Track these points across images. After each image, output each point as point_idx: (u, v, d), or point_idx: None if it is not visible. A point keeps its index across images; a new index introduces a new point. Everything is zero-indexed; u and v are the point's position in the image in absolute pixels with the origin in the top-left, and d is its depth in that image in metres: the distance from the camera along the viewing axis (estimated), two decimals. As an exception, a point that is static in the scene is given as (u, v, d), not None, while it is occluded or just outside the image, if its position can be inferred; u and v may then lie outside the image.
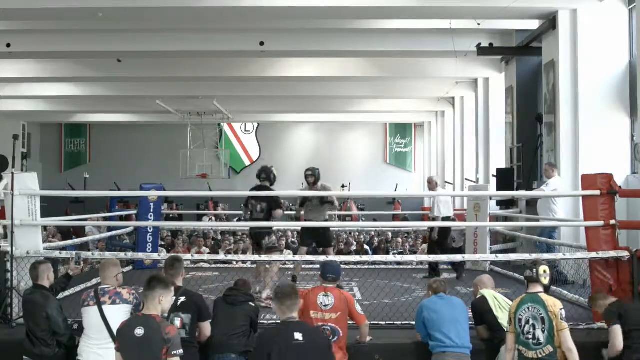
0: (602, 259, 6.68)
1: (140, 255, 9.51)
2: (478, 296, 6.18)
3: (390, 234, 15.61)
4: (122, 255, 8.26)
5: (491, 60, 15.84)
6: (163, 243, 13.82)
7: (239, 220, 17.36)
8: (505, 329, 5.49)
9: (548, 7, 11.18)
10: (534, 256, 6.84)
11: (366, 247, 14.83)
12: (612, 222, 6.71)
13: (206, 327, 5.44)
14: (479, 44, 13.65)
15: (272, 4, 11.47)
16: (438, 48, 14.37)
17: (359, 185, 24.89)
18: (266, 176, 8.30)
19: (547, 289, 5.39)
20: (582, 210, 7.08)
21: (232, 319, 5.54)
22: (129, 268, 10.46)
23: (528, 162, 13.26)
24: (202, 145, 25.84)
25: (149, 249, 10.53)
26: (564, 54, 11.03)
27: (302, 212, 9.15)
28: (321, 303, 5.56)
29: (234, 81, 19.05)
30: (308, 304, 5.58)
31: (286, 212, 10.72)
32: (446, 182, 21.58)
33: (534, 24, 12.49)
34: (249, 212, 8.26)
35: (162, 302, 4.45)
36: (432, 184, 10.43)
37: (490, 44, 13.91)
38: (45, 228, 12.08)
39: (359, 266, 10.34)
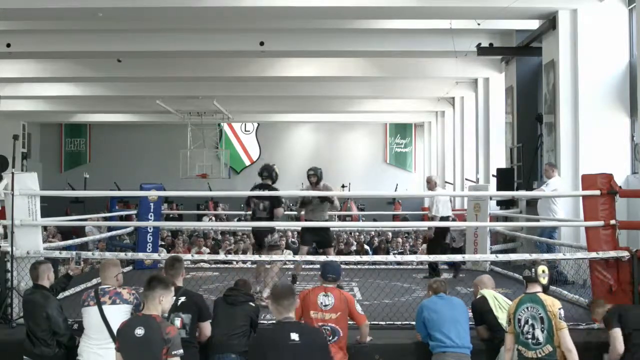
0: (602, 259, 6.68)
1: (140, 255, 9.51)
2: (478, 296, 6.19)
3: (390, 234, 15.62)
4: (122, 255, 8.26)
5: (491, 60, 15.84)
6: (163, 243, 13.82)
7: (239, 220, 17.43)
8: (505, 329, 5.49)
9: (548, 7, 11.17)
10: (534, 256, 6.85)
11: (366, 247, 14.83)
12: (612, 222, 6.71)
13: (206, 327, 5.44)
14: (479, 44, 13.65)
15: (272, 4, 11.47)
16: (438, 48, 14.37)
17: (359, 185, 24.88)
18: (268, 174, 8.33)
19: (545, 289, 5.40)
20: (582, 210, 7.09)
21: (232, 319, 5.54)
22: (129, 268, 10.46)
23: (528, 162, 13.26)
24: (202, 145, 25.84)
25: (149, 249, 10.53)
26: (564, 54, 11.03)
27: (303, 212, 9.15)
28: (321, 303, 5.56)
29: (234, 81, 19.04)
30: (308, 304, 5.58)
31: (286, 212, 10.71)
32: (446, 182, 21.58)
33: (534, 24, 12.49)
34: (250, 211, 8.27)
35: (163, 302, 4.45)
36: (431, 184, 10.44)
37: (490, 44, 13.90)
38: (45, 228, 12.08)
39: (359, 266, 10.34)
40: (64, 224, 13.39)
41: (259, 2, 11.46)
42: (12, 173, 6.78)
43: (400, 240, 15.01)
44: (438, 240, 10.38)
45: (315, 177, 8.85)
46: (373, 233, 15.84)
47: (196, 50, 14.77)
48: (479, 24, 12.58)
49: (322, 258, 7.37)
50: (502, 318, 5.79)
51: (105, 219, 12.68)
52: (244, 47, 14.53)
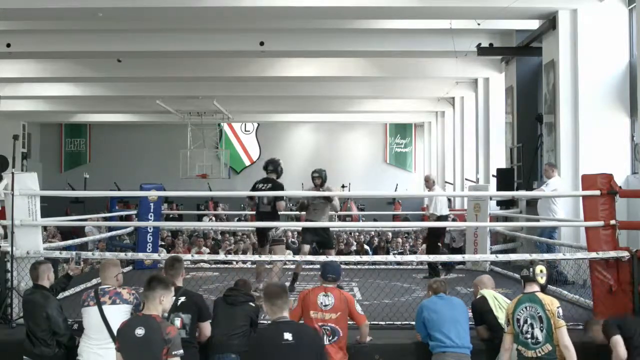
0: (602, 259, 6.68)
1: (140, 255, 9.50)
2: (478, 296, 6.19)
3: (390, 234, 15.61)
4: (122, 255, 8.26)
5: (491, 60, 15.84)
6: (163, 243, 13.82)
7: (239, 220, 17.44)
8: (504, 329, 5.49)
9: (548, 7, 11.17)
10: (534, 256, 6.85)
11: (366, 247, 14.83)
12: (612, 222, 6.70)
13: (206, 327, 5.44)
14: (479, 44, 13.65)
15: (272, 4, 11.47)
16: (438, 48, 14.37)
17: (359, 185, 24.87)
18: (273, 168, 8.37)
19: (543, 288, 5.41)
20: (582, 210, 7.08)
21: (232, 319, 5.54)
22: (129, 268, 10.46)
23: (528, 162, 13.26)
24: (202, 145, 25.83)
25: (149, 249, 10.53)
26: (564, 54, 11.03)
27: (303, 212, 9.16)
28: (321, 303, 5.56)
29: (234, 81, 19.04)
30: (308, 304, 5.59)
31: (286, 212, 10.72)
32: (446, 182, 21.58)
33: (534, 24, 12.49)
34: (254, 203, 8.29)
35: (163, 302, 4.45)
36: (429, 182, 10.44)
37: (490, 44, 13.90)
38: (45, 228, 12.08)
39: (359, 266, 10.34)
40: (64, 224, 13.39)
41: (259, 2, 11.46)
42: (12, 173, 6.78)
43: (400, 240, 15.01)
44: (436, 240, 10.38)
45: (319, 179, 8.87)
46: (373, 233, 15.84)
47: (196, 50, 14.77)
48: (479, 24, 12.58)
49: (322, 258, 7.37)
50: (502, 318, 5.79)
51: (105, 219, 12.68)
52: (244, 47, 14.53)
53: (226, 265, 10.87)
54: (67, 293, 7.08)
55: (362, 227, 15.19)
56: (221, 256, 9.56)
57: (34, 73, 17.35)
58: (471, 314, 6.04)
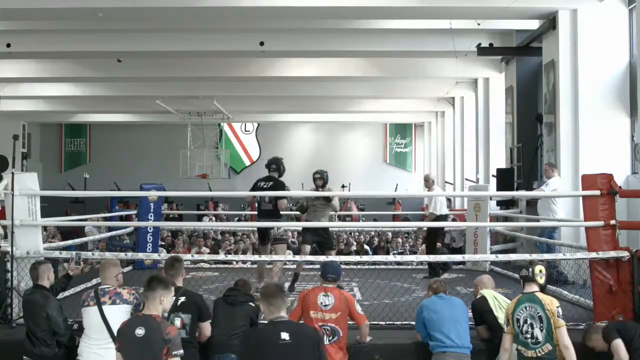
0: (602, 259, 6.68)
1: (140, 255, 9.50)
2: (478, 296, 6.19)
3: (390, 234, 15.61)
4: (122, 255, 8.26)
5: (491, 60, 15.84)
6: (163, 243, 13.82)
7: (239, 220, 17.45)
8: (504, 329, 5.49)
9: (548, 7, 11.17)
10: (534, 256, 6.85)
11: (366, 247, 14.83)
12: (612, 222, 6.70)
13: (206, 327, 5.44)
14: (479, 44, 13.65)
15: (272, 4, 11.47)
16: (438, 48, 14.37)
17: (359, 185, 24.87)
18: (276, 167, 8.39)
19: (543, 288, 5.41)
20: (582, 210, 7.08)
21: (232, 319, 5.54)
22: (129, 268, 10.46)
23: (528, 162, 13.26)
24: (202, 145, 25.83)
25: (149, 249, 10.53)
26: (564, 54, 11.03)
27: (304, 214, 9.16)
28: (321, 303, 5.56)
29: (234, 81, 19.04)
30: (308, 304, 5.59)
31: (286, 212, 10.72)
32: (446, 182, 21.58)
33: (534, 24, 12.49)
34: (256, 200, 8.30)
35: (163, 302, 4.45)
36: (428, 182, 10.43)
37: (490, 44, 13.90)
38: (45, 228, 12.08)
39: (359, 266, 10.34)
40: (64, 224, 13.39)
41: (259, 2, 11.46)
42: (12, 173, 6.78)
43: (400, 240, 15.00)
44: (435, 239, 10.38)
45: (321, 180, 8.87)
46: (373, 233, 15.84)
47: (196, 50, 14.77)
48: (479, 24, 12.58)
49: (322, 258, 7.37)
50: (502, 318, 5.79)
51: (105, 219, 12.68)
52: (244, 47, 14.53)
53: (226, 265, 10.86)
54: (67, 293, 7.08)
55: (362, 227, 15.18)
56: (221, 256, 9.56)
57: (34, 73, 17.35)
58: (471, 314, 6.04)
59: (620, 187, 7.01)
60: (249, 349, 4.52)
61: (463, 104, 19.70)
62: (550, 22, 11.29)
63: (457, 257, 8.54)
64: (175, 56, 15.91)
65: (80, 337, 5.19)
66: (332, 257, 7.30)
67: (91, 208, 17.84)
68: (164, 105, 21.29)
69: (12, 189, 6.68)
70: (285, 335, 4.40)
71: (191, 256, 9.03)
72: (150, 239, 10.66)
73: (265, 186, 8.23)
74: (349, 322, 5.66)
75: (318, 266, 7.29)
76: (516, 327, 5.27)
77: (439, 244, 11.16)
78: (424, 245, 12.79)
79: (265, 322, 4.73)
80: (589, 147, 10.53)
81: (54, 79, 18.40)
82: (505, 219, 13.02)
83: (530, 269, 5.39)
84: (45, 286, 5.68)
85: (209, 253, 12.76)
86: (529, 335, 5.20)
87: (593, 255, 6.71)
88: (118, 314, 5.00)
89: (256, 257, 7.87)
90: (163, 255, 8.00)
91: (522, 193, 12.11)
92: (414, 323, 5.95)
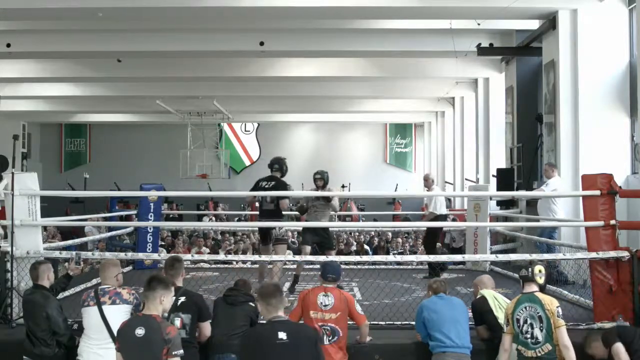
0: (602, 259, 6.68)
1: (140, 255, 9.50)
2: (478, 296, 6.19)
3: (390, 234, 15.61)
4: (122, 255, 8.26)
5: (491, 60, 15.83)
6: (163, 243, 13.82)
7: (239, 220, 17.44)
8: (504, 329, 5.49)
9: (548, 7, 11.17)
10: (534, 256, 6.85)
11: (366, 247, 14.83)
12: (612, 222, 6.70)
13: (206, 327, 5.44)
14: (479, 44, 13.65)
15: (272, 4, 11.47)
16: (438, 48, 14.36)
17: (359, 185, 24.87)
18: (279, 167, 8.39)
19: (542, 288, 5.41)
20: (582, 210, 7.08)
21: (232, 319, 5.54)
22: (129, 268, 10.46)
23: (528, 162, 13.26)
24: (202, 145, 25.83)
25: (149, 249, 10.53)
26: (564, 54, 11.03)
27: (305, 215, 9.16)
28: (321, 303, 5.56)
29: (234, 81, 19.04)
30: (308, 304, 5.59)
31: (287, 212, 10.72)
32: (446, 182, 21.58)
33: (534, 24, 12.48)
34: (257, 200, 8.30)
35: (163, 302, 4.45)
36: (428, 182, 10.42)
37: (490, 44, 13.90)
38: (45, 228, 12.08)
39: (359, 266, 10.33)
40: (64, 224, 13.39)
41: (259, 2, 11.46)
42: (12, 173, 6.78)
43: (400, 240, 15.00)
44: (435, 239, 10.38)
45: (322, 180, 8.87)
46: (373, 233, 15.84)
47: (196, 50, 14.76)
48: (479, 24, 12.58)
49: (322, 258, 7.37)
50: (502, 318, 5.79)
51: (105, 219, 12.68)
52: (244, 47, 14.52)
53: (226, 265, 10.86)
54: (67, 293, 7.08)
55: (362, 227, 15.18)
56: (221, 256, 9.56)
57: (34, 73, 17.35)
58: (471, 314, 6.04)
59: (620, 187, 7.01)
60: (247, 349, 4.52)
61: (463, 104, 19.70)
62: (550, 22, 11.29)
63: (457, 257, 8.54)
64: (175, 56, 15.91)
65: (80, 337, 5.19)
66: (332, 257, 7.30)
67: (91, 208, 17.84)
68: (164, 105, 21.29)
69: (12, 189, 6.68)
70: (282, 335, 4.41)
71: (191, 256, 9.03)
72: (150, 239, 10.66)
73: (267, 186, 8.22)
74: (349, 322, 5.66)
75: (318, 266, 7.29)
76: (516, 327, 5.27)
77: (438, 244, 11.16)
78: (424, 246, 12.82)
79: (264, 322, 4.73)
80: (589, 147, 10.53)
81: (54, 79, 18.40)
82: (505, 219, 13.02)
83: (530, 269, 5.39)
84: (45, 286, 5.67)
85: (209, 253, 12.76)
86: (528, 335, 5.20)
87: (593, 255, 6.72)
88: (118, 314, 5.00)
89: (256, 257, 7.87)
90: (163, 255, 8.00)
91: (522, 193, 12.11)
92: (414, 323, 5.95)
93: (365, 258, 9.58)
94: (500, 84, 15.66)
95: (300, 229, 10.11)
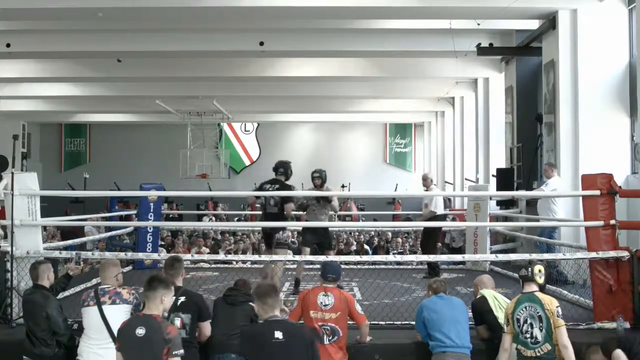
0: (602, 259, 6.68)
1: (140, 255, 9.50)
2: (478, 296, 6.19)
3: (390, 234, 15.61)
4: (122, 255, 8.27)
5: (491, 60, 15.84)
6: (163, 243, 13.81)
7: (238, 220, 17.44)
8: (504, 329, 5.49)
9: (548, 7, 11.17)
10: (534, 256, 6.84)
11: (366, 247, 14.82)
12: (612, 222, 6.70)
13: (206, 327, 5.44)
14: (479, 44, 13.65)
15: (272, 4, 11.47)
16: (438, 48, 14.37)
17: (359, 185, 24.88)
18: (284, 170, 8.35)
19: (542, 288, 5.41)
20: (582, 210, 7.08)
21: (232, 319, 5.54)
22: (129, 268, 10.46)
23: (528, 162, 13.26)
24: (202, 145, 25.84)
25: (149, 249, 10.52)
26: (564, 54, 11.03)
27: (303, 213, 9.15)
28: (321, 303, 5.57)
29: (234, 81, 19.05)
30: (308, 304, 5.59)
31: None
32: (446, 182, 21.58)
33: (534, 24, 12.49)
34: (260, 203, 8.28)
35: (164, 302, 4.45)
36: (427, 181, 10.40)
37: (490, 44, 13.91)
38: (45, 228, 12.08)
39: (359, 266, 10.33)
40: (64, 224, 13.38)
41: (259, 2, 11.46)
42: (12, 173, 6.78)
43: (400, 240, 15.00)
44: (436, 239, 10.37)
45: (319, 179, 8.87)
46: (373, 233, 15.84)
47: (196, 50, 14.77)
48: (479, 24, 12.58)
49: (322, 258, 7.38)
50: (502, 318, 5.79)
51: (105, 219, 12.68)
52: (244, 47, 14.53)
53: (226, 265, 10.85)
54: (67, 293, 7.08)
55: (362, 227, 15.18)
56: (221, 256, 9.56)
57: (34, 73, 17.35)
58: (471, 314, 6.04)
59: (620, 187, 7.01)
60: (243, 348, 4.54)
61: (463, 104, 19.70)
62: (550, 22, 11.29)
63: (457, 257, 8.56)
64: (175, 56, 15.91)
65: (80, 337, 5.19)
66: (332, 257, 7.31)
67: (91, 208, 17.83)
68: (163, 105, 21.29)
69: (12, 189, 6.68)
70: (278, 335, 4.42)
71: (191, 256, 9.03)
72: (150, 238, 10.65)
73: (270, 189, 8.19)
74: (349, 322, 5.66)
75: (318, 266, 7.29)
76: (516, 326, 5.28)
77: (439, 244, 11.15)
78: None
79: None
80: (589, 147, 10.53)
81: (54, 79, 18.40)
82: (505, 218, 13.03)
83: (530, 269, 5.39)
84: (45, 286, 5.67)
85: (208, 253, 12.76)
86: (528, 335, 5.20)
87: (593, 255, 6.72)
88: (118, 314, 5.00)
89: (256, 257, 7.87)
90: (163, 255, 7.99)
91: (522, 193, 12.11)
92: (414, 323, 5.95)
93: (365, 258, 9.58)
94: (500, 84, 15.66)
95: (300, 228, 10.10)
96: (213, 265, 10.98)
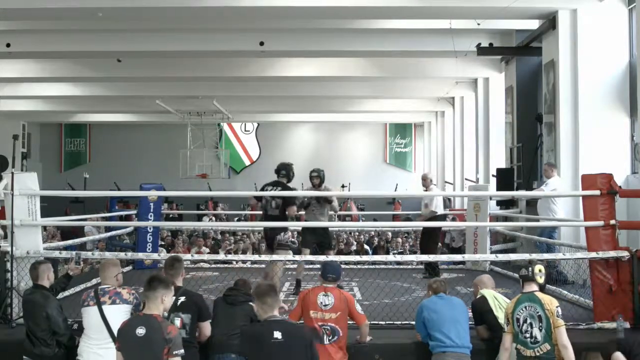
0: (602, 259, 6.68)
1: (140, 255, 9.50)
2: (478, 296, 6.19)
3: (390, 233, 15.61)
4: (122, 255, 8.26)
5: (491, 60, 15.84)
6: (163, 243, 13.81)
7: (238, 220, 17.44)
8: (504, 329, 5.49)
9: (548, 7, 11.17)
10: (534, 256, 6.84)
11: (366, 247, 14.83)
12: (612, 222, 6.70)
13: (206, 327, 5.44)
14: (479, 44, 13.65)
15: (272, 4, 11.47)
16: (438, 48, 14.37)
17: (359, 185, 24.88)
18: (286, 173, 8.31)
19: (542, 288, 5.41)
20: (582, 210, 7.08)
21: (232, 318, 5.53)
22: (129, 268, 10.46)
23: (528, 162, 13.26)
24: (202, 145, 25.84)
25: (149, 249, 10.52)
26: (564, 54, 11.03)
27: (303, 213, 9.15)
28: (321, 303, 5.56)
29: (234, 81, 19.04)
30: (308, 304, 5.59)
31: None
32: (446, 182, 21.58)
33: (534, 24, 12.49)
34: (261, 205, 8.26)
35: (164, 301, 4.45)
36: (426, 181, 10.40)
37: (490, 44, 13.90)
38: (45, 228, 12.08)
39: (359, 266, 10.34)
40: (64, 224, 13.38)
41: (259, 2, 11.46)
42: (12, 173, 6.78)
43: (400, 240, 15.00)
44: (436, 239, 10.38)
45: (318, 178, 8.87)
46: (373, 233, 15.84)
47: (196, 50, 14.77)
48: (479, 24, 12.58)
49: (322, 258, 7.38)
50: (502, 318, 5.79)
51: (105, 219, 12.67)
52: (244, 47, 14.53)
53: (226, 265, 10.85)
54: (67, 293, 7.08)
55: (362, 227, 15.18)
56: (221, 256, 9.55)
57: (34, 73, 17.35)
58: (471, 313, 6.04)
59: (620, 187, 7.01)
60: (243, 348, 4.54)
61: (463, 104, 19.70)
62: (550, 22, 11.29)
63: (457, 257, 8.55)
64: (175, 56, 15.91)
65: (80, 337, 5.19)
66: (332, 257, 7.31)
67: (91, 208, 17.84)
68: (163, 105, 21.29)
69: (12, 189, 6.68)
70: (277, 334, 4.43)
71: (191, 256, 9.02)
72: (150, 238, 10.65)
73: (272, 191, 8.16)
74: (349, 322, 5.66)
75: (318, 266, 7.29)
76: (516, 326, 5.28)
77: (439, 244, 11.15)
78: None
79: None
80: (589, 147, 10.53)
81: (54, 79, 18.40)
82: (505, 218, 13.02)
83: (530, 269, 5.39)
84: (45, 286, 5.67)
85: (208, 253, 12.76)
86: (528, 335, 5.21)
87: (593, 255, 6.72)
88: (118, 314, 5.00)
89: (256, 257, 7.87)
90: (163, 255, 7.99)
91: (522, 193, 12.11)
92: (414, 323, 5.95)
93: (365, 258, 9.57)
94: (500, 83, 15.66)
95: (300, 228, 10.09)
96: (213, 265, 10.98)
